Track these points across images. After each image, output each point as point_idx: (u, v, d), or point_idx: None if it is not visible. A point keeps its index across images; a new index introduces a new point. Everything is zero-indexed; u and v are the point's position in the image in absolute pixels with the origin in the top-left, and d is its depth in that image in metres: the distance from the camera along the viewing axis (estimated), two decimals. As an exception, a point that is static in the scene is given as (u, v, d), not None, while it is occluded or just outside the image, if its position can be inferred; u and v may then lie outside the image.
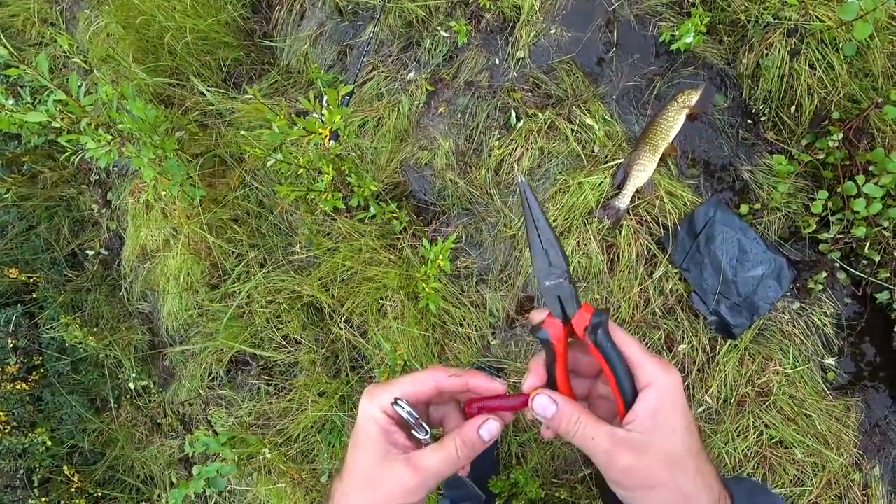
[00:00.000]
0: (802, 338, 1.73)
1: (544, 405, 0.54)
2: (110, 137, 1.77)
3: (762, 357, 1.72)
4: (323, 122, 1.41)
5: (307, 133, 1.39)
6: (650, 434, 0.51)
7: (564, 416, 0.53)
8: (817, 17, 1.66)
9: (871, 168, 1.53)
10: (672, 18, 1.83)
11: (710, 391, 1.73)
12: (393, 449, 0.54)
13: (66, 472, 2.26)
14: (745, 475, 1.72)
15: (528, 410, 0.56)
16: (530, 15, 1.90)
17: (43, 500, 2.25)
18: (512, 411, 0.58)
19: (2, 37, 1.56)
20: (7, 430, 2.27)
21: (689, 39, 1.72)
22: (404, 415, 0.55)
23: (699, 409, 1.74)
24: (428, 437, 0.56)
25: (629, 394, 0.53)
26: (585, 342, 0.55)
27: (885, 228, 1.56)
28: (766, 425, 1.71)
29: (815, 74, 1.68)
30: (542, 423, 0.57)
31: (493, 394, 0.58)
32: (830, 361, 1.73)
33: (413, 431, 0.56)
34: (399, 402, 0.55)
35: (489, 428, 0.55)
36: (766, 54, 1.72)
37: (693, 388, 1.74)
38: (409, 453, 0.55)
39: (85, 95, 1.71)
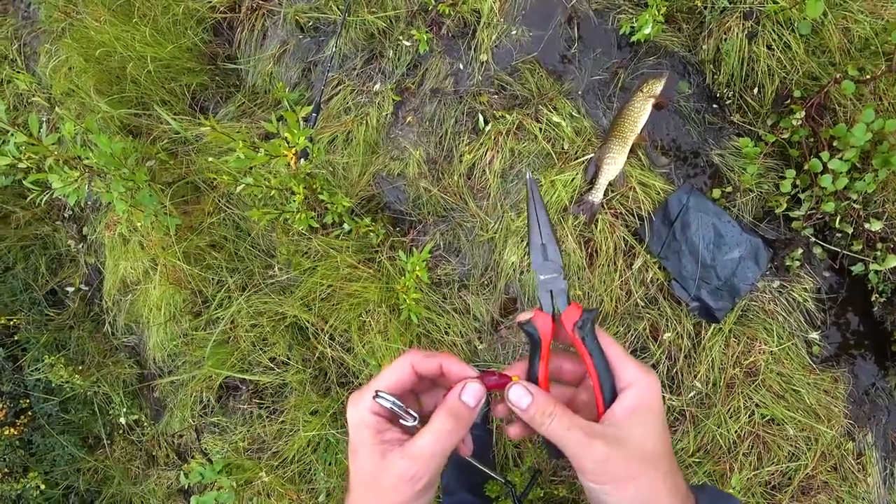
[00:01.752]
0: (785, 315, 1.75)
1: (519, 394, 0.54)
2: (77, 174, 1.75)
3: (747, 338, 1.74)
4: (288, 143, 1.40)
5: (272, 157, 1.38)
6: (627, 430, 0.52)
7: (539, 407, 0.53)
8: (771, -1, 1.68)
9: (835, 143, 1.55)
10: (630, 10, 1.84)
11: (699, 376, 1.74)
12: (388, 445, 0.54)
13: (64, 514, 2.23)
14: (739, 454, 1.74)
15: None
16: (490, 17, 1.90)
17: (42, 544, 2.23)
18: (493, 389, 0.57)
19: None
20: (-1, 477, 2.25)
21: (647, 30, 1.73)
22: (387, 405, 0.54)
23: (689, 395, 1.75)
24: (416, 422, 0.55)
25: (609, 393, 0.55)
26: (573, 337, 0.56)
27: (854, 201, 1.58)
28: (757, 404, 1.73)
29: (773, 55, 1.70)
30: (511, 421, 0.57)
31: (467, 376, 0.57)
32: (814, 335, 1.75)
33: (402, 421, 0.56)
34: (380, 394, 0.54)
35: (469, 391, 0.54)
36: (725, 39, 1.74)
37: (682, 375, 1.75)
38: (403, 444, 0.54)
39: (48, 134, 1.68)
